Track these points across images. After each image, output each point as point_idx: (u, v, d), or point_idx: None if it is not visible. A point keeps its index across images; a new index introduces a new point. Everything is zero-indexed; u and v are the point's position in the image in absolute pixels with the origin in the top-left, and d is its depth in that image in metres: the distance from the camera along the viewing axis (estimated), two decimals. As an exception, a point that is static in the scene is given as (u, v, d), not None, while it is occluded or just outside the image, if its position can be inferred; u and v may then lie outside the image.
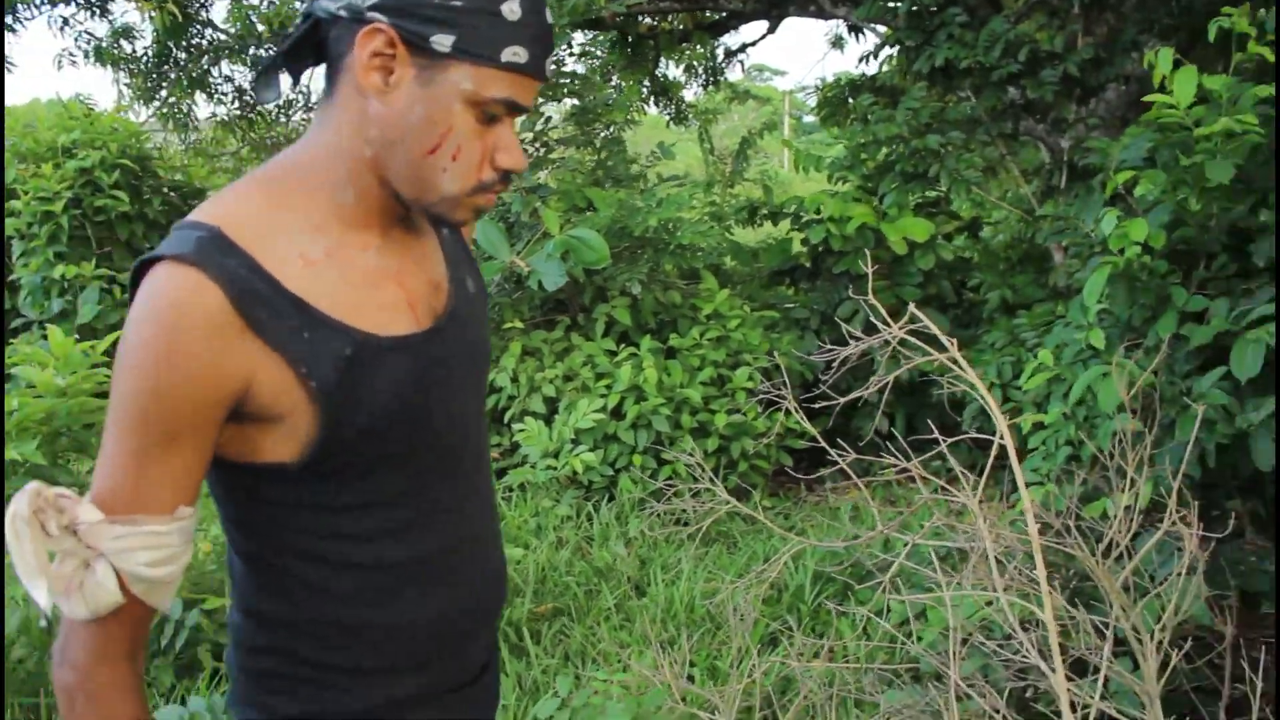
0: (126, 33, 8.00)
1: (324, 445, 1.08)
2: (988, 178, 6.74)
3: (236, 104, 8.90)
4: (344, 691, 1.18)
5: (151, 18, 6.92)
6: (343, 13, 1.05)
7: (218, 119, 8.99)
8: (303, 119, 9.60)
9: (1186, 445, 2.51)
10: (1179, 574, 2.56)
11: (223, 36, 8.32)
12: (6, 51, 6.08)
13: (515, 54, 1.05)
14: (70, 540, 1.01)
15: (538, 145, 5.79)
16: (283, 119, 9.46)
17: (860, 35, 8.39)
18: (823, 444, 2.49)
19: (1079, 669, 2.51)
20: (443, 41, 1.03)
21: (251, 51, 8.48)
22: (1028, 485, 3.36)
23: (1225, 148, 3.01)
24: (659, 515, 4.21)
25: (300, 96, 9.47)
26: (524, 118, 5.16)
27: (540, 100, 7.56)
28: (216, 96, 8.76)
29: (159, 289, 1.02)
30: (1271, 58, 3.18)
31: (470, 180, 1.10)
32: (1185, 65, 3.11)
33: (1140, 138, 3.37)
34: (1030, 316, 4.88)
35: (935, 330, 1.98)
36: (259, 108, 9.06)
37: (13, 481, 3.04)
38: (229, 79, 8.74)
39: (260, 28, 8.24)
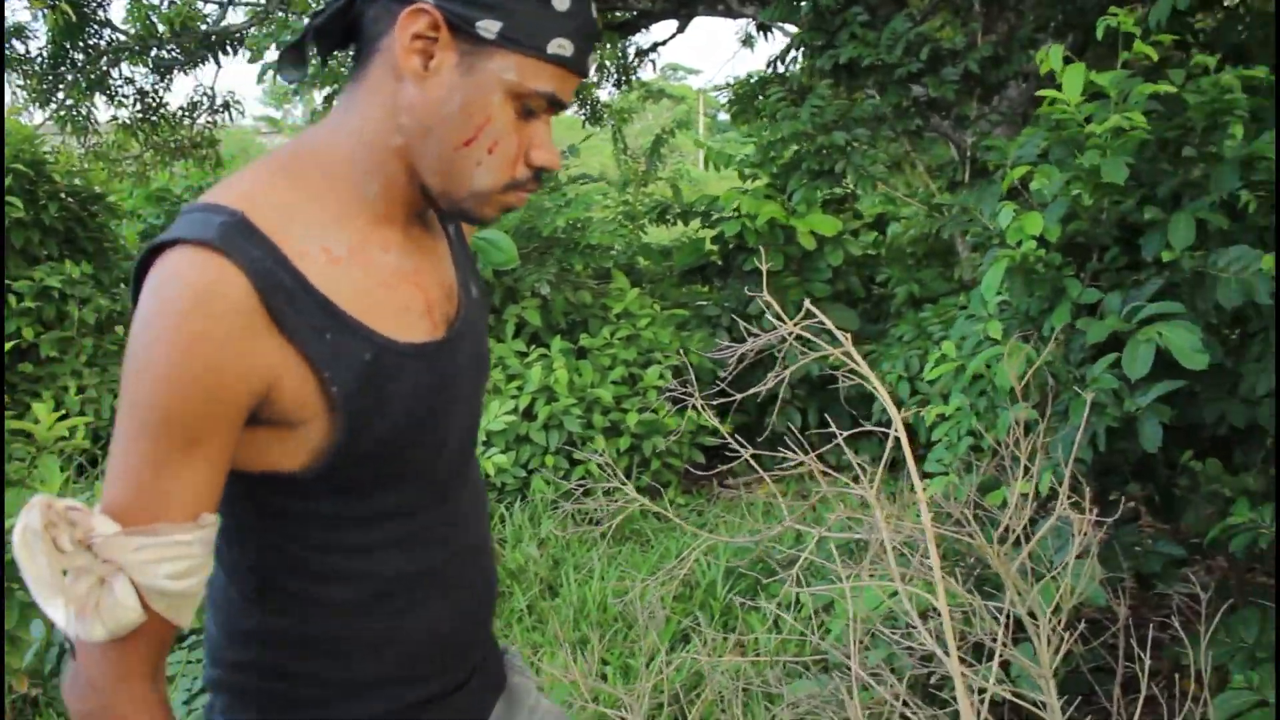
0: (18, 32, 7.79)
1: (337, 456, 1.02)
2: (893, 174, 6.85)
3: (138, 106, 8.71)
4: (331, 705, 1.13)
5: (44, 16, 6.74)
6: None
7: (119, 122, 8.79)
8: (208, 121, 9.42)
9: (1079, 431, 2.57)
10: (1074, 558, 2.63)
11: (122, 37, 8.13)
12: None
13: (561, 46, 1.00)
14: (85, 556, 0.93)
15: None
16: (188, 121, 9.28)
17: (769, 34, 8.48)
18: (729, 440, 2.52)
19: (983, 654, 2.56)
20: (489, 27, 0.98)
21: (153, 53, 8.30)
22: (933, 476, 3.43)
23: (1114, 144, 3.09)
24: (572, 515, 4.21)
25: (205, 98, 9.30)
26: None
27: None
28: (117, 99, 8.55)
29: (177, 275, 0.94)
30: (1156, 56, 3.27)
31: (504, 176, 1.05)
32: (1075, 62, 3.19)
33: (1035, 136, 3.45)
34: (936, 310, 4.97)
35: (830, 325, 2.01)
36: (162, 110, 8.88)
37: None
38: (130, 80, 8.55)
39: (161, 28, 8.07)
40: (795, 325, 2.03)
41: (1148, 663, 2.23)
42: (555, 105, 1.05)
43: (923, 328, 5.06)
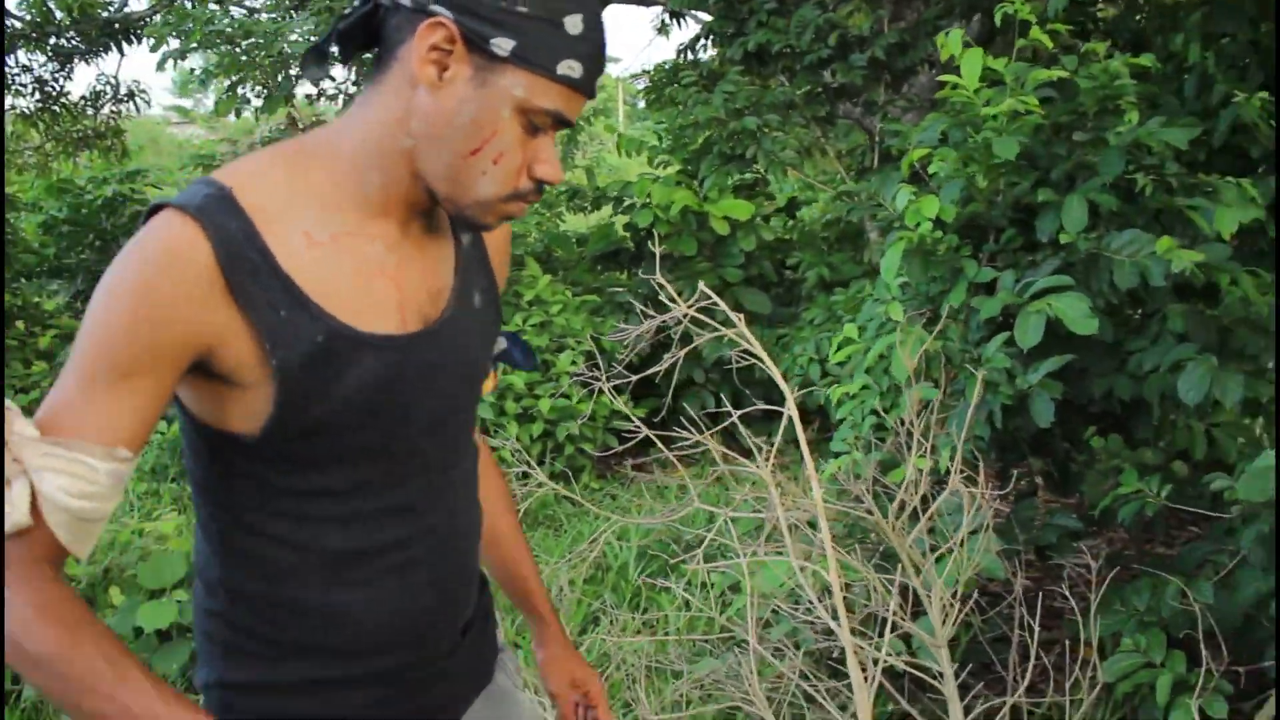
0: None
1: (276, 426, 1.07)
2: (804, 159, 6.92)
3: (37, 95, 8.47)
4: (280, 665, 1.18)
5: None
6: (406, 1, 1.05)
7: (17, 112, 8.55)
8: (113, 110, 9.20)
9: (975, 408, 2.64)
10: (970, 532, 2.70)
11: (17, 24, 7.90)
12: None
13: (570, 68, 1.05)
14: None
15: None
16: (90, 110, 9.05)
17: (683, 21, 8.50)
18: (636, 424, 2.54)
19: (886, 627, 2.62)
20: (503, 45, 1.03)
21: (52, 40, 8.08)
22: (838, 455, 3.49)
23: (1010, 127, 3.17)
24: (484, 502, 4.20)
25: (109, 88, 9.08)
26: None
27: (353, 80, 7.43)
28: (14, 88, 8.32)
29: (156, 231, 1.02)
30: (1051, 44, 3.35)
31: (506, 187, 1.10)
32: (973, 47, 3.26)
33: (937, 121, 3.52)
34: (845, 296, 5.04)
35: (724, 307, 2.04)
36: (63, 99, 8.64)
37: None
38: (27, 69, 8.32)
39: (59, 14, 7.87)
40: (690, 307, 2.06)
41: (1037, 630, 2.30)
42: (561, 123, 1.10)
43: (833, 311, 5.14)
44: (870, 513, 2.37)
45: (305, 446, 1.10)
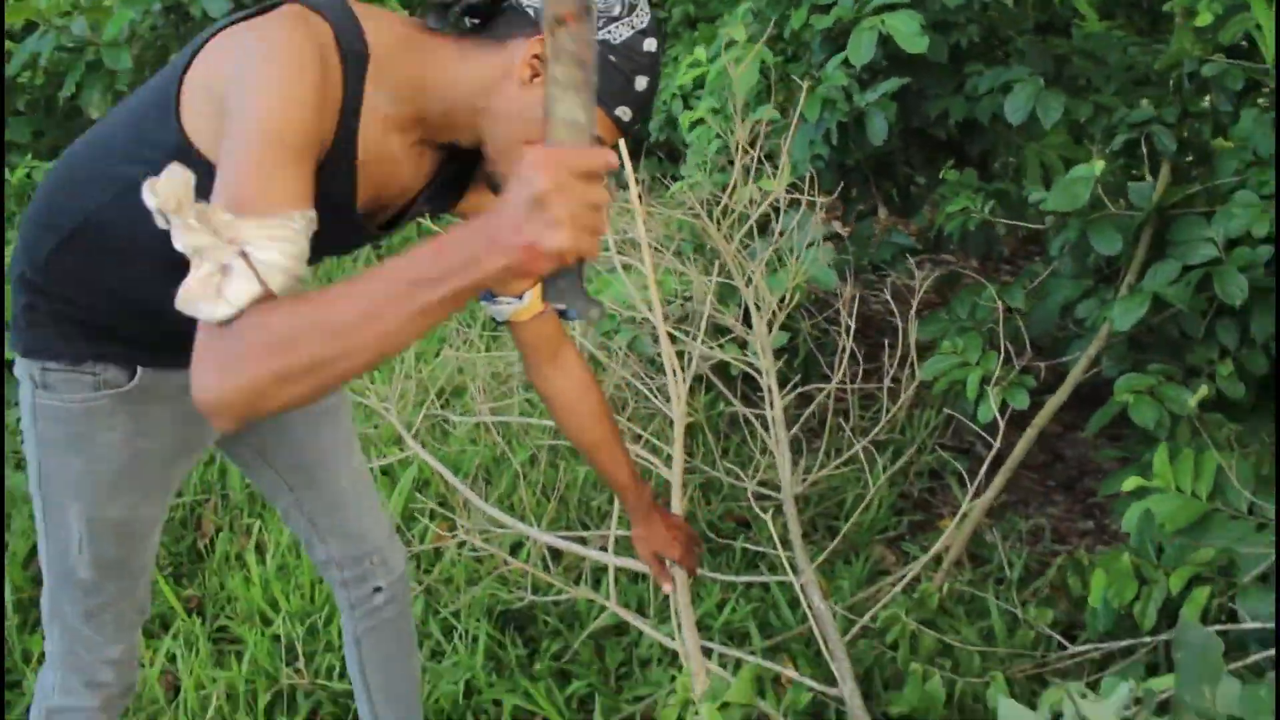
0: None
1: None
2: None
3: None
4: (93, 305, 1.40)
5: None
6: (530, 10, 1.26)
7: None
8: None
9: (799, 124, 2.71)
10: (807, 245, 2.84)
11: None
12: None
13: (624, 113, 1.30)
14: (208, 235, 0.99)
15: None
16: None
17: None
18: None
19: (724, 333, 2.77)
20: None
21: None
22: (688, 178, 3.57)
23: None
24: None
25: None
26: None
27: None
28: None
29: (298, 24, 1.16)
30: None
31: None
32: None
33: None
34: (704, 27, 5.00)
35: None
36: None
37: None
38: None
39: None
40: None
41: (853, 328, 2.46)
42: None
43: (695, 44, 5.10)
44: (703, 221, 2.47)
45: None
